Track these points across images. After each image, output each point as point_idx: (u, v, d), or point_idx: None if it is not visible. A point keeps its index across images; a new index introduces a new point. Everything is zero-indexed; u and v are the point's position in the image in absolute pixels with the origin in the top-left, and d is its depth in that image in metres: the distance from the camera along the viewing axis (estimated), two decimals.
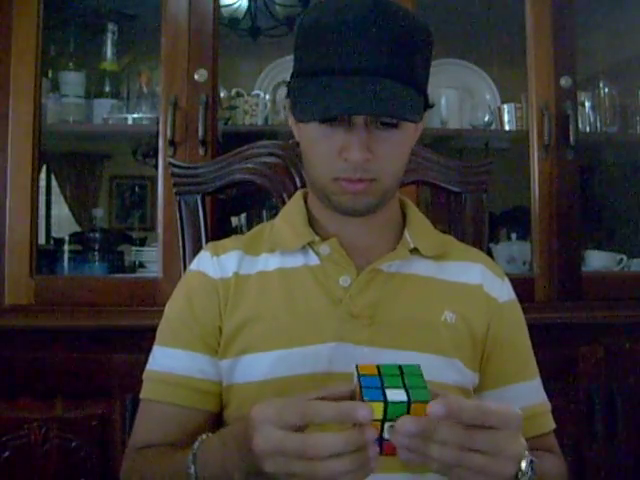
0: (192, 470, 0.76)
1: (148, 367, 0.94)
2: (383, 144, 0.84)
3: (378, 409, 0.62)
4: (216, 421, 0.93)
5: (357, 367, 0.67)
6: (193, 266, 0.99)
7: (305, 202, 0.99)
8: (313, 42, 0.84)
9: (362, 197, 0.87)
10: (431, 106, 0.91)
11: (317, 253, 0.93)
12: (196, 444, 0.78)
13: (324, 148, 0.86)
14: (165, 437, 0.89)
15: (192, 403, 0.90)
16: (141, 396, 0.93)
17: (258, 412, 0.66)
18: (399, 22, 0.83)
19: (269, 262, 0.95)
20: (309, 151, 0.90)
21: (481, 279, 0.97)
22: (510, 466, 0.67)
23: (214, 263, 0.95)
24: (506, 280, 1.00)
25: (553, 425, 0.96)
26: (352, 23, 0.81)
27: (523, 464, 0.69)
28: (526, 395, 0.95)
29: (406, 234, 0.95)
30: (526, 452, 0.70)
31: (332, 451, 0.61)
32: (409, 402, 0.63)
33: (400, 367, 0.67)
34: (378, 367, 0.67)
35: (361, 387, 0.65)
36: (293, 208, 0.99)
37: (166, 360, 0.93)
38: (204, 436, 0.79)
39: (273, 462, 0.64)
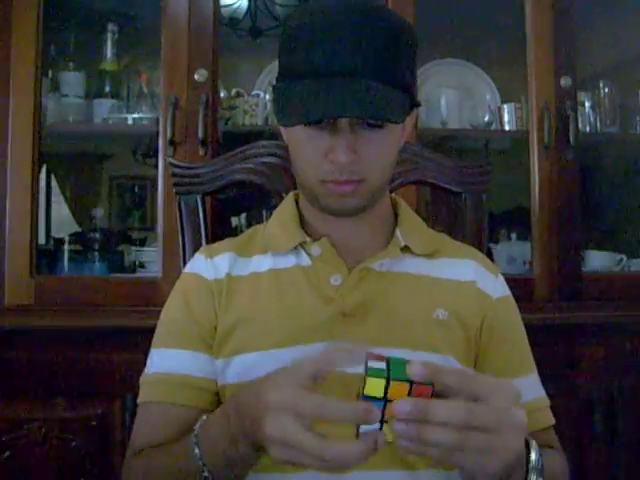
0: (197, 451, 0.76)
1: (145, 371, 0.94)
2: (369, 145, 0.84)
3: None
4: None
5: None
6: (187, 269, 0.99)
7: (297, 203, 0.99)
8: (296, 45, 0.83)
9: (350, 198, 0.87)
10: (418, 105, 0.91)
11: (309, 254, 0.93)
12: (197, 425, 0.78)
13: (310, 151, 0.86)
14: (166, 437, 0.89)
15: (192, 402, 0.90)
16: (139, 401, 0.93)
17: (275, 396, 0.65)
18: (382, 23, 0.83)
19: (261, 263, 0.95)
20: (296, 154, 0.90)
21: (474, 276, 0.96)
22: (514, 439, 0.64)
23: (208, 265, 0.96)
24: (500, 276, 1.00)
25: (553, 420, 0.96)
26: (335, 25, 0.81)
27: (533, 455, 0.71)
28: (524, 390, 0.93)
29: (397, 233, 0.95)
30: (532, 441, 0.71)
31: (348, 459, 0.61)
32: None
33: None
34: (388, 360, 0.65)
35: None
36: (285, 209, 0.99)
37: (165, 361, 0.92)
38: (204, 417, 0.79)
39: (280, 449, 0.64)
